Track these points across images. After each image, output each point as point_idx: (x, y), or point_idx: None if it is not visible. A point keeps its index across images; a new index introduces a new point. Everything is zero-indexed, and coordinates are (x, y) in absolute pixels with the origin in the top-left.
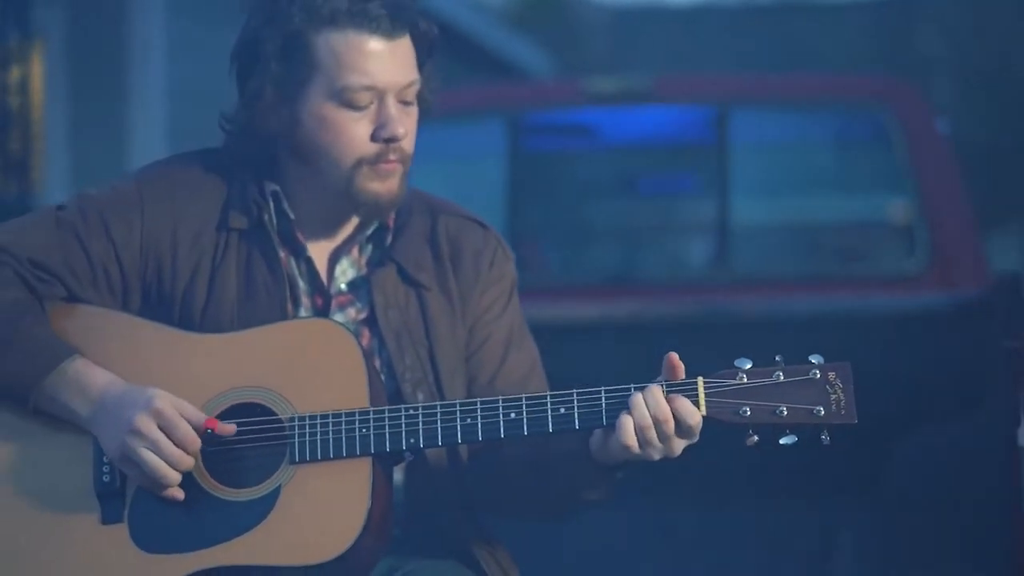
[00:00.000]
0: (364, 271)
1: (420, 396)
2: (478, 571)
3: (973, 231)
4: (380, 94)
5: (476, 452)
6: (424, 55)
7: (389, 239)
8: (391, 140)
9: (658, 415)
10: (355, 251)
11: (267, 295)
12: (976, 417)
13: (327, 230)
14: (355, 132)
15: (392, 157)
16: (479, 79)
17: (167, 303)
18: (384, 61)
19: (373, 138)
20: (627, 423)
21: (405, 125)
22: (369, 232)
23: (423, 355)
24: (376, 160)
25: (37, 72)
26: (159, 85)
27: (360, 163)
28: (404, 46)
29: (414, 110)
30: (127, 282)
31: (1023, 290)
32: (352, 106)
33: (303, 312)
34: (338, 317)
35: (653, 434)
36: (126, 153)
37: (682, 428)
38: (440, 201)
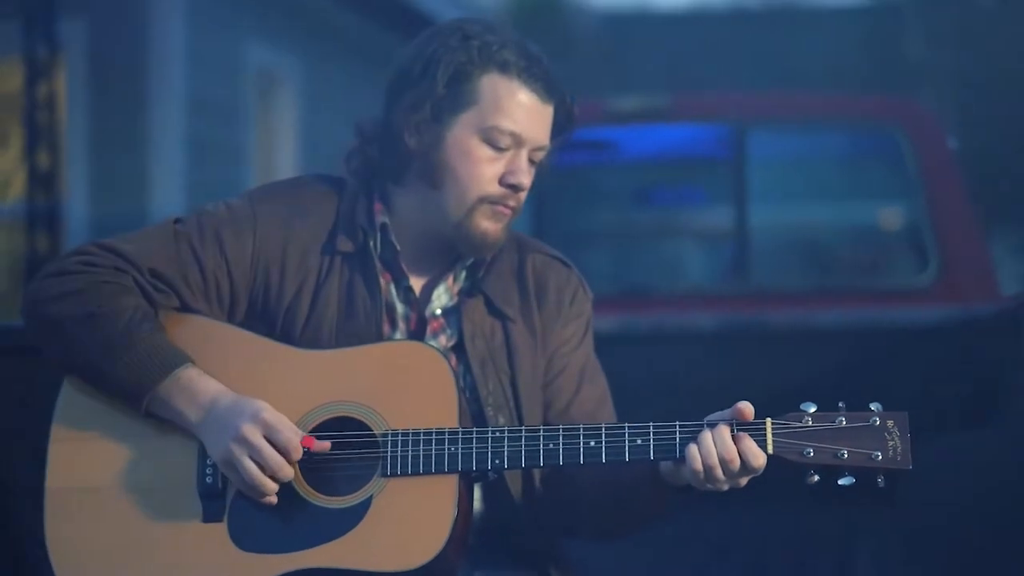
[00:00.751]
0: (456, 300)
1: (501, 420)
2: (540, 571)
3: (982, 246)
4: (519, 144)
5: (550, 474)
6: (558, 129)
7: (482, 272)
8: (516, 188)
9: (724, 455)
10: (450, 280)
11: (365, 317)
12: (1002, 426)
13: (427, 261)
14: (488, 170)
15: (510, 203)
16: None
17: (270, 317)
18: (532, 117)
19: (501, 181)
20: (695, 461)
21: (529, 179)
22: (467, 263)
23: (505, 382)
24: (496, 201)
25: (61, 86)
26: (179, 97)
27: (482, 200)
28: (549, 111)
29: (533, 171)
30: (235, 295)
31: None
32: (494, 145)
33: (398, 335)
34: (431, 342)
35: (719, 472)
36: (146, 164)
37: (747, 467)
38: (527, 239)
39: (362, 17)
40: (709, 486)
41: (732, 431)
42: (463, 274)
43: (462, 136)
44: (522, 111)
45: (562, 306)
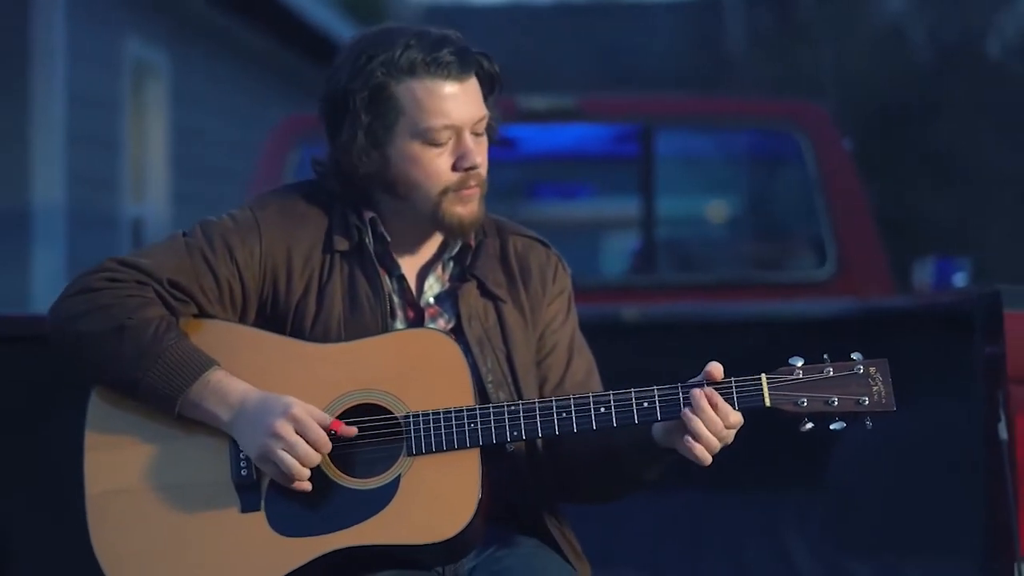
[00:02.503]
0: (447, 286)
1: (501, 395)
2: (555, 548)
3: (877, 241)
4: (457, 130)
5: (551, 443)
6: (488, 91)
7: (469, 258)
8: (470, 168)
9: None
10: (439, 269)
11: (370, 309)
12: (957, 413)
13: (416, 251)
14: (439, 165)
15: (472, 183)
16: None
17: (280, 317)
18: (458, 101)
19: (454, 168)
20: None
21: (480, 154)
22: (453, 252)
23: (502, 360)
24: (459, 187)
25: None
26: (60, 90)
27: (446, 191)
28: (472, 85)
29: (484, 140)
30: (247, 299)
31: (1000, 303)
32: (434, 143)
33: (399, 324)
34: (430, 327)
35: (711, 438)
36: (28, 156)
37: (728, 424)
38: (505, 222)
39: (231, 15)
40: (697, 450)
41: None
42: (451, 262)
43: (403, 147)
44: (446, 101)
45: (546, 284)
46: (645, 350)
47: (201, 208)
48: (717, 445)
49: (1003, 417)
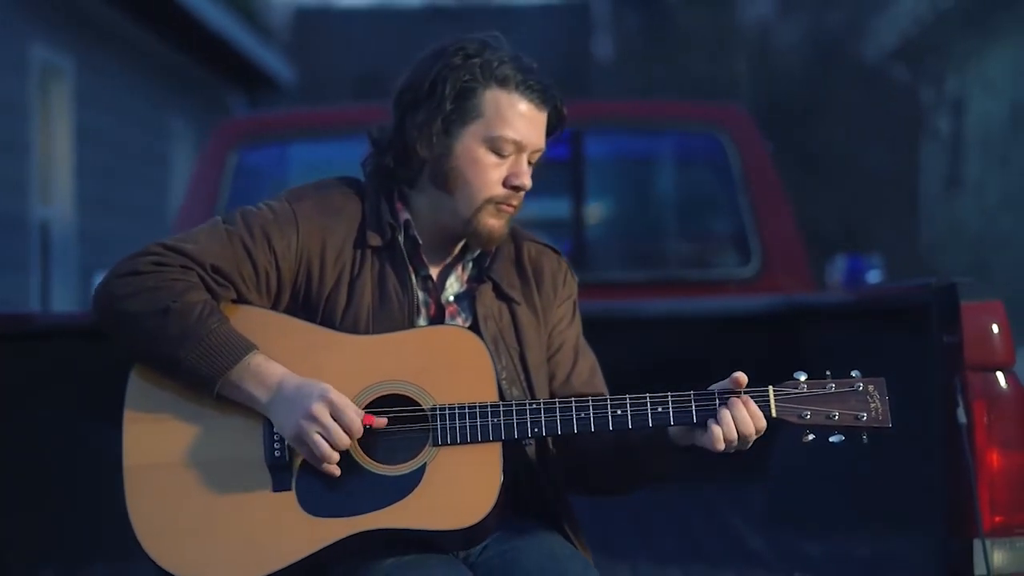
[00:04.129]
0: (465, 287)
1: (515, 391)
2: (563, 535)
3: (798, 239)
4: (520, 150)
5: (567, 439)
6: (551, 130)
7: (488, 262)
8: (518, 188)
9: (745, 425)
10: (460, 269)
11: (398, 304)
12: (914, 401)
13: (441, 252)
14: (493, 175)
15: (513, 202)
16: (227, 85)
17: (312, 306)
18: (531, 125)
19: (505, 183)
20: (716, 430)
21: (529, 180)
22: (474, 255)
23: (515, 358)
24: (501, 201)
25: None
26: None
27: (489, 201)
28: (544, 118)
29: (530, 170)
30: (282, 287)
31: (957, 295)
32: (498, 153)
33: (421, 320)
34: (453, 323)
35: (738, 440)
36: None
37: (757, 429)
38: (519, 229)
39: (135, 21)
40: (722, 448)
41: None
42: (470, 264)
43: (470, 146)
44: (522, 121)
45: (557, 288)
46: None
47: (107, 212)
48: (735, 444)
49: (961, 403)
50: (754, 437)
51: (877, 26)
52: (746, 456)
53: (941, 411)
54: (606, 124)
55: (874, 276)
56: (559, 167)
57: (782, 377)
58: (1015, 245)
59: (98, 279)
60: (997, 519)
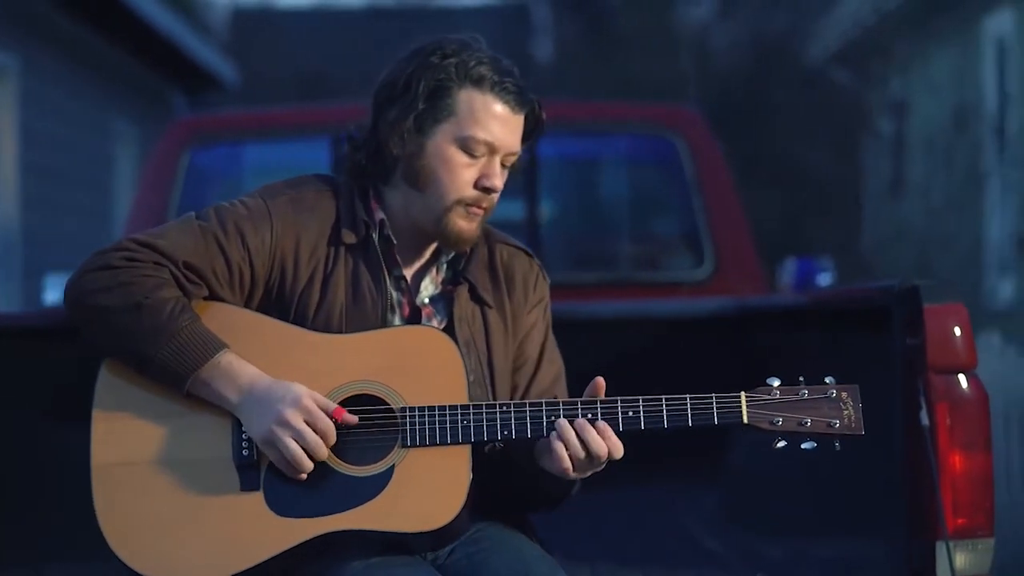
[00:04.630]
0: (439, 289)
1: (478, 392)
2: (528, 537)
3: (750, 242)
4: (493, 151)
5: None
6: (527, 134)
7: (463, 264)
8: (489, 190)
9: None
10: (434, 271)
11: (371, 303)
12: (875, 402)
13: (415, 253)
14: (464, 175)
15: (483, 204)
16: (170, 85)
17: (285, 303)
18: (505, 127)
19: (475, 185)
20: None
21: (501, 182)
22: (449, 257)
23: (483, 361)
24: (471, 203)
25: None
26: None
27: (459, 202)
28: (520, 121)
29: (505, 173)
30: (255, 284)
31: (920, 297)
32: (470, 153)
33: (396, 320)
34: (428, 325)
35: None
36: None
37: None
38: (492, 230)
39: (80, 22)
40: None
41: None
42: (444, 266)
43: (441, 144)
44: (496, 122)
45: (528, 293)
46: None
47: (51, 213)
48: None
49: (924, 405)
50: (604, 458)
51: (819, 28)
52: (706, 458)
53: (902, 413)
54: (559, 125)
55: (825, 279)
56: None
57: (744, 381)
58: (959, 246)
59: (50, 280)
60: (959, 521)
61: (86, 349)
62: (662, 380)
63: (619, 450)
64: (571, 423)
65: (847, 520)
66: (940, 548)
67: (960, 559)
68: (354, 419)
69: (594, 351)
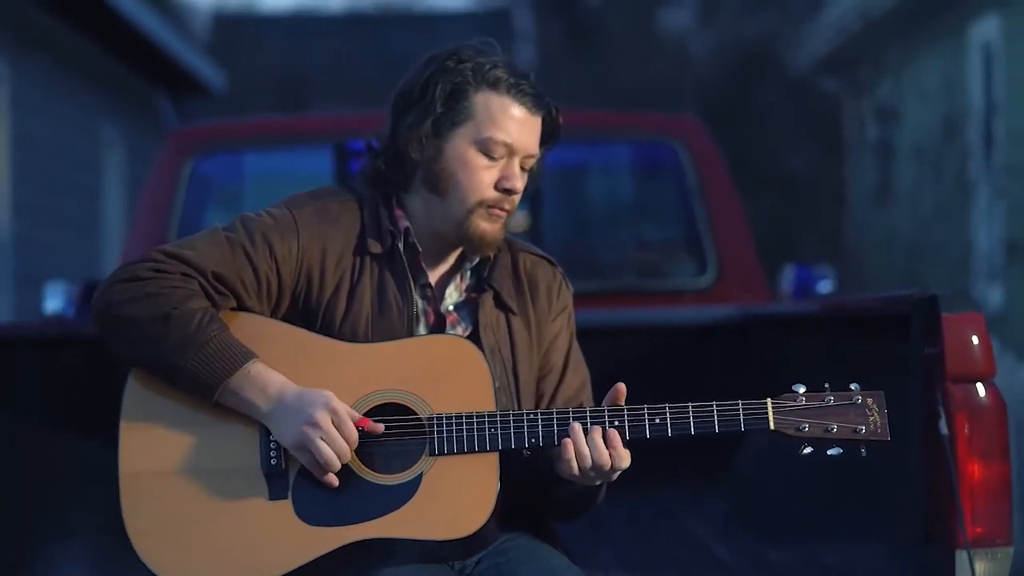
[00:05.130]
0: (464, 296)
1: (503, 401)
2: (548, 542)
3: (752, 250)
4: (511, 153)
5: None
6: (545, 138)
7: (487, 271)
8: (509, 192)
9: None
10: (459, 279)
11: (398, 312)
12: (896, 412)
13: (440, 261)
14: (484, 177)
15: (504, 206)
16: (158, 91)
17: (312, 313)
18: (523, 128)
19: (496, 186)
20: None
21: (521, 184)
22: (473, 263)
23: (508, 368)
24: (492, 205)
25: None
26: None
27: (480, 204)
28: (538, 123)
29: (525, 177)
30: (282, 294)
31: (938, 307)
32: (489, 155)
33: (421, 328)
34: (452, 333)
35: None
36: None
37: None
38: (514, 240)
39: (71, 27)
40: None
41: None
42: (468, 273)
43: (460, 147)
44: (514, 123)
45: (552, 301)
46: None
47: (42, 220)
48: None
49: (942, 414)
50: (609, 469)
51: (805, 35)
52: (716, 464)
53: (920, 422)
54: (565, 133)
55: (825, 286)
56: None
57: (762, 388)
58: (948, 255)
59: (50, 289)
60: (978, 530)
61: (88, 358)
62: (676, 388)
63: (623, 461)
64: (583, 431)
65: (861, 528)
66: (960, 557)
67: (980, 567)
68: (379, 428)
69: (602, 359)
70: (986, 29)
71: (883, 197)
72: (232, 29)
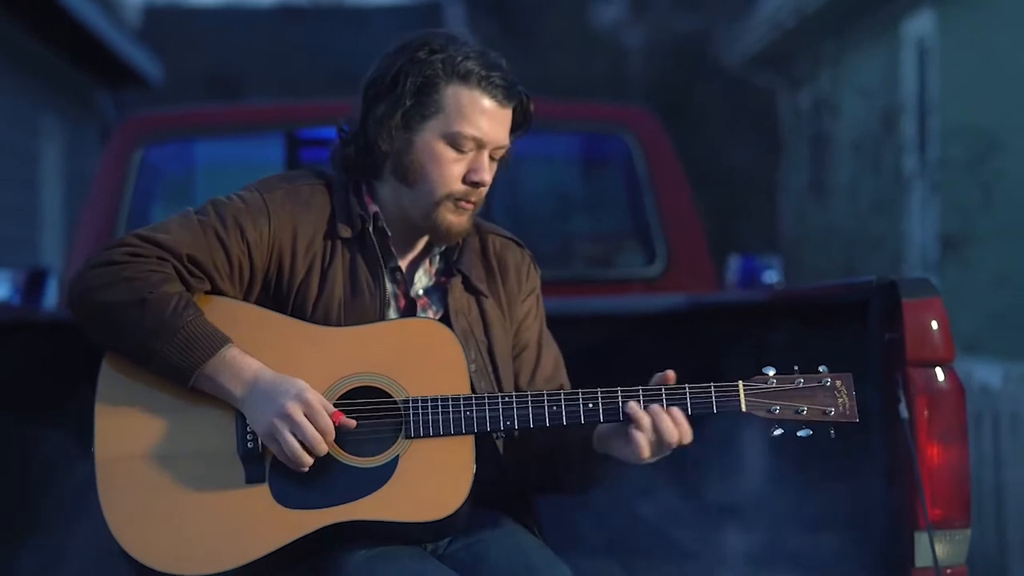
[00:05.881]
0: (433, 280)
1: (483, 384)
2: (524, 527)
3: (703, 240)
4: (480, 146)
5: (518, 438)
6: (516, 127)
7: (456, 255)
8: (477, 184)
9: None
10: (428, 263)
11: (369, 295)
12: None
13: (408, 246)
14: (452, 170)
15: (472, 199)
16: (96, 83)
17: (283, 297)
18: (492, 121)
19: (464, 179)
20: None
21: (490, 176)
22: (442, 248)
23: (483, 351)
24: (460, 197)
25: None
26: None
27: (448, 196)
28: (508, 115)
29: (495, 166)
30: (254, 277)
31: (899, 292)
32: (458, 148)
33: (392, 312)
34: (424, 316)
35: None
36: None
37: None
38: (482, 222)
39: (6, 17)
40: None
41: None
42: (437, 258)
43: (429, 140)
44: (483, 117)
45: (521, 282)
46: None
47: None
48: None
49: (902, 398)
50: (675, 445)
51: (738, 31)
52: (680, 451)
53: (880, 406)
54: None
55: (771, 276)
56: None
57: (723, 376)
58: (883, 248)
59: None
60: (937, 512)
61: (39, 344)
62: (643, 373)
63: (689, 435)
64: (646, 408)
65: (823, 512)
66: (919, 539)
67: (939, 549)
68: (352, 423)
69: (575, 345)
70: (920, 24)
71: (819, 191)
72: (163, 21)
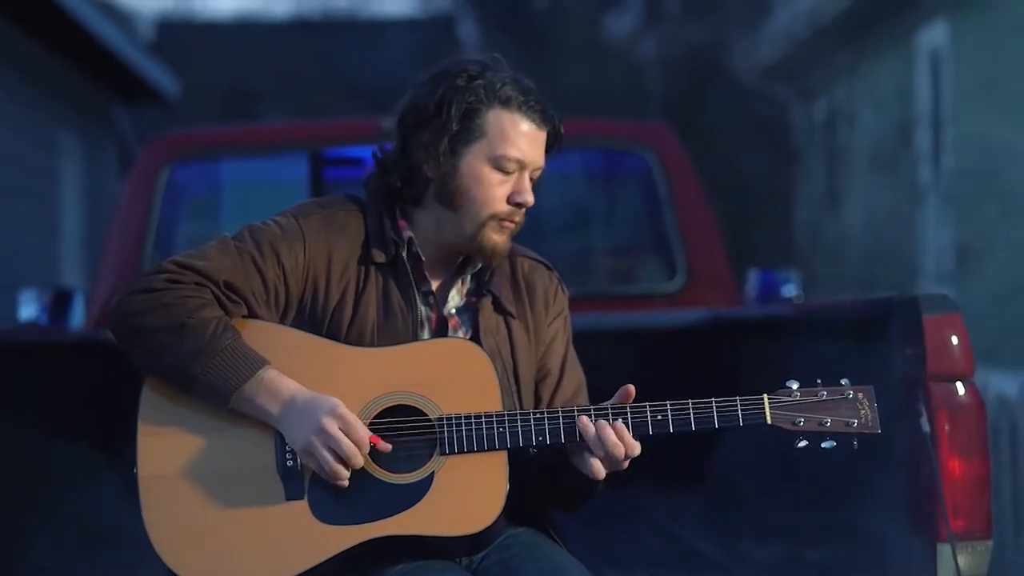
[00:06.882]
0: (464, 300)
1: (505, 402)
2: (549, 537)
3: (723, 255)
4: (523, 167)
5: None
6: (549, 148)
7: (487, 276)
8: (521, 205)
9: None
10: (460, 284)
11: (402, 318)
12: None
13: (442, 268)
14: (497, 192)
15: (516, 218)
16: (114, 99)
17: (317, 321)
18: (532, 143)
19: (509, 200)
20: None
21: (532, 197)
22: (475, 270)
23: (509, 371)
24: (504, 218)
25: None
26: None
27: (493, 217)
28: (543, 137)
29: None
30: (289, 302)
31: (920, 308)
32: (503, 170)
33: (425, 333)
34: (457, 336)
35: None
36: None
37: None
38: (513, 245)
39: (15, 28)
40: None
41: (609, 420)
42: (469, 278)
43: (475, 164)
44: (524, 139)
45: (548, 305)
46: None
47: (1, 227)
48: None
49: (924, 412)
50: (623, 457)
51: (756, 42)
52: (700, 462)
53: (901, 420)
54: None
55: (789, 290)
56: None
57: (746, 390)
58: (899, 259)
59: (24, 296)
60: (959, 524)
61: (68, 363)
62: (663, 389)
63: (635, 449)
64: (592, 424)
65: (844, 524)
66: (942, 550)
67: (961, 561)
68: (388, 447)
69: (596, 360)
70: (934, 35)
71: (834, 202)
72: (176, 35)
